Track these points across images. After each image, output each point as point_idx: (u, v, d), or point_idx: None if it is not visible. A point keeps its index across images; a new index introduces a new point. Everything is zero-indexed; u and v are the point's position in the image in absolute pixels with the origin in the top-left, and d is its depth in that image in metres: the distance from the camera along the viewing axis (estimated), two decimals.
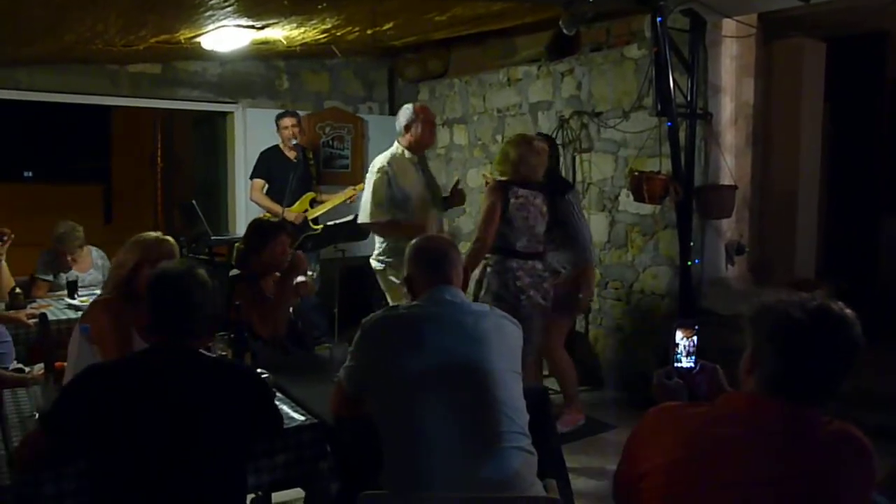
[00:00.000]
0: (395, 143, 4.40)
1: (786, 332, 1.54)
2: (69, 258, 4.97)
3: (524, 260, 4.01)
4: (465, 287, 2.41)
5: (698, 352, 2.05)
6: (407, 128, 4.35)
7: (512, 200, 4.00)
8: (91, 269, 5.04)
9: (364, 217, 4.35)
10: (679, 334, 2.09)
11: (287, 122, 5.92)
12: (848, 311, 1.55)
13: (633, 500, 1.66)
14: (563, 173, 5.72)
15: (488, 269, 4.07)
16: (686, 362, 2.06)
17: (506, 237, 4.00)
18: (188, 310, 2.06)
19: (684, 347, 2.07)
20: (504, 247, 4.01)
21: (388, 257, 4.35)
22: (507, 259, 4.01)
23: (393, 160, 4.34)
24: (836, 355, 1.53)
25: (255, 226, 3.67)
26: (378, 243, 4.46)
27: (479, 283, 4.13)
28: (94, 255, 5.11)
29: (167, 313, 2.05)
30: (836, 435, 1.54)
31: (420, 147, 4.41)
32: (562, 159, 5.75)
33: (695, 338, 2.06)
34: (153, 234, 2.91)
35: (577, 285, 4.51)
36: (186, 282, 2.08)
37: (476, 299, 4.04)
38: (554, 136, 5.74)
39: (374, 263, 4.43)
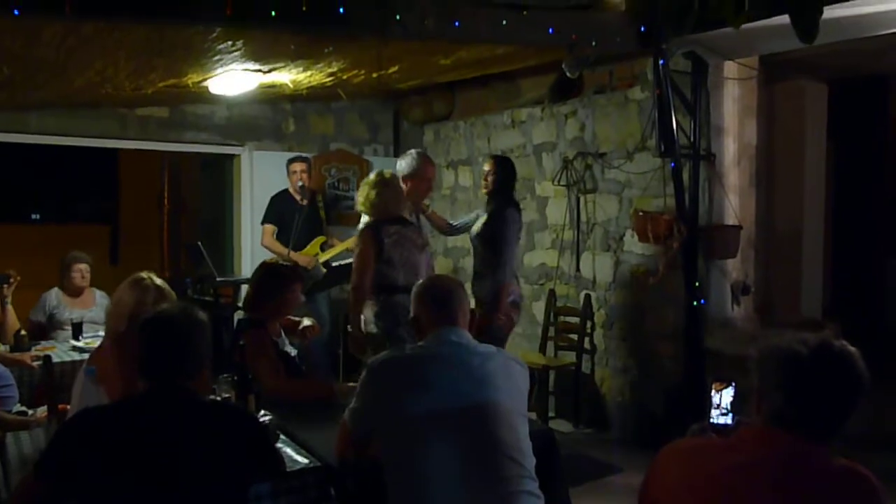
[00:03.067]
0: None
1: (788, 368, 1.57)
2: (76, 279, 4.97)
3: (407, 294, 4.03)
4: (470, 328, 2.41)
5: (735, 407, 2.02)
6: (405, 179, 4.40)
7: (385, 240, 4.08)
8: (94, 307, 5.03)
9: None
10: (714, 390, 2.07)
11: (297, 166, 5.97)
12: (850, 348, 1.57)
13: None
14: (567, 213, 5.76)
15: (376, 310, 4.09)
16: (722, 419, 2.04)
17: (386, 275, 4.08)
18: (182, 348, 2.04)
19: (719, 403, 2.06)
20: (387, 285, 4.09)
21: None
22: (392, 296, 4.08)
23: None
24: (839, 391, 1.55)
25: (270, 271, 3.60)
26: None
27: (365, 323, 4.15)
28: (97, 295, 5.11)
29: (158, 354, 2.04)
30: (842, 471, 1.54)
31: (413, 201, 4.48)
32: (566, 200, 5.79)
33: (731, 392, 2.04)
34: (151, 278, 2.88)
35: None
36: (178, 322, 2.07)
37: (368, 339, 4.08)
38: (558, 177, 5.78)
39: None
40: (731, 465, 1.59)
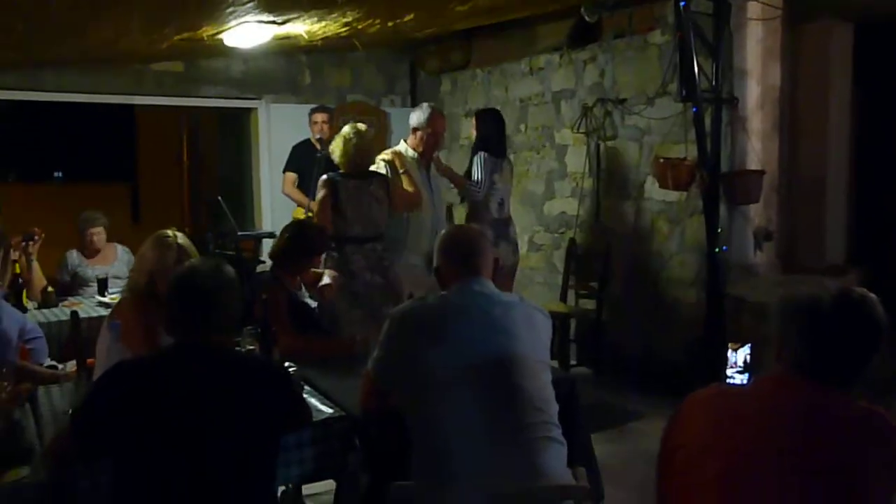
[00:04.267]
0: (402, 141, 4.53)
1: (807, 315, 1.60)
2: (93, 242, 5.03)
3: (359, 245, 4.20)
4: (494, 278, 2.41)
5: (750, 365, 2.06)
6: (415, 130, 4.48)
7: (342, 193, 4.22)
8: (115, 262, 5.08)
9: None
10: (730, 349, 2.10)
11: (318, 117, 5.92)
12: (870, 295, 1.59)
13: (668, 477, 1.73)
14: (587, 161, 5.71)
15: (330, 262, 4.16)
16: (738, 377, 2.08)
17: (339, 226, 4.19)
18: (212, 307, 2.07)
19: (735, 361, 2.09)
20: (339, 235, 4.19)
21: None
22: (343, 246, 4.21)
23: (395, 156, 4.51)
24: (858, 337, 1.58)
25: (300, 231, 3.64)
26: None
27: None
28: (119, 250, 5.16)
29: (192, 310, 2.06)
30: (860, 414, 1.56)
31: (422, 153, 4.48)
32: (586, 147, 5.74)
33: (747, 350, 2.07)
34: (175, 235, 2.91)
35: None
36: (211, 279, 2.09)
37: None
38: (577, 124, 5.72)
39: None
40: (753, 410, 1.62)
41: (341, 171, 4.31)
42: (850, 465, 1.51)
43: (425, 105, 4.73)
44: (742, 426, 1.62)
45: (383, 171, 4.46)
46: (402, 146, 4.62)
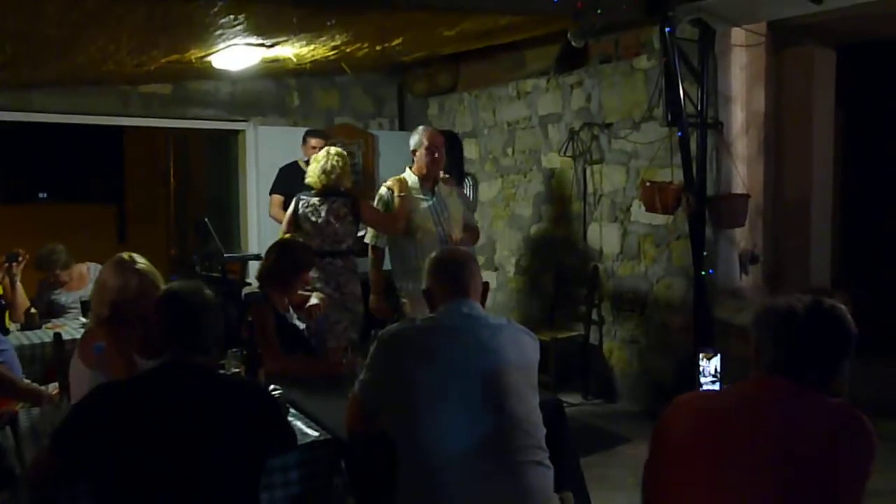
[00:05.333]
0: (406, 168, 4.55)
1: (783, 321, 1.75)
2: (59, 279, 4.92)
3: (318, 259, 4.28)
4: (483, 300, 2.41)
5: (721, 375, 2.14)
6: (413, 153, 4.51)
7: (301, 208, 4.54)
8: (89, 284, 4.97)
9: (367, 238, 4.68)
10: (702, 359, 2.20)
11: (314, 142, 5.90)
12: (840, 305, 1.75)
13: (655, 475, 1.85)
14: (574, 185, 5.74)
15: None
16: (711, 385, 2.15)
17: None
18: (198, 327, 2.07)
19: (708, 371, 2.17)
20: None
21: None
22: None
23: (396, 183, 4.52)
24: (829, 340, 1.72)
25: (287, 248, 3.67)
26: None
27: None
28: (91, 270, 5.02)
29: (177, 330, 2.06)
30: (836, 410, 1.68)
31: (423, 176, 4.48)
32: (572, 171, 5.77)
33: (718, 360, 2.16)
34: (134, 259, 2.84)
35: None
36: (193, 300, 2.10)
37: None
38: (564, 148, 5.75)
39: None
40: (734, 409, 1.76)
41: (312, 189, 4.55)
42: (826, 458, 1.62)
43: (419, 126, 4.76)
44: (725, 424, 1.73)
45: (385, 197, 4.53)
46: (406, 173, 4.61)
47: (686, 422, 1.80)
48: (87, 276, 5.03)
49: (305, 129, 6.21)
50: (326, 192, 4.52)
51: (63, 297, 4.94)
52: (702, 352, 2.00)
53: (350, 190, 4.65)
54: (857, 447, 1.65)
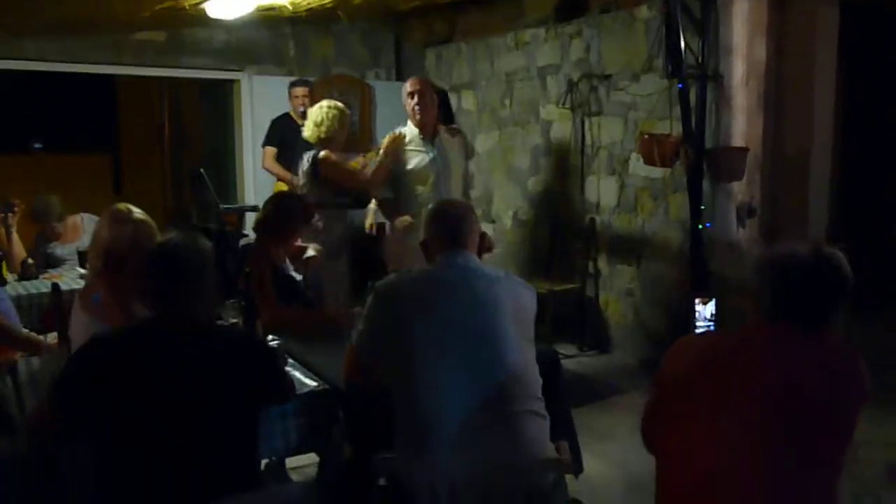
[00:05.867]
0: (408, 121, 4.49)
1: (783, 267, 1.81)
2: (55, 231, 4.94)
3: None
4: (480, 253, 2.42)
5: (717, 319, 2.20)
6: (406, 105, 4.42)
7: (304, 166, 4.57)
8: (84, 235, 4.96)
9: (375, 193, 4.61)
10: (698, 303, 2.26)
11: (299, 91, 5.87)
12: (838, 252, 1.81)
13: (657, 411, 1.92)
14: (571, 137, 5.71)
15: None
16: (704, 328, 2.20)
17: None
18: (191, 280, 2.05)
19: (703, 315, 2.23)
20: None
21: None
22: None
23: (391, 139, 4.44)
24: (828, 285, 1.77)
25: (284, 200, 3.69)
26: None
27: None
28: (86, 220, 5.02)
29: (171, 284, 2.05)
30: (833, 349, 1.77)
31: (419, 125, 4.40)
32: (570, 123, 5.73)
33: (713, 305, 2.22)
34: (130, 210, 2.86)
35: None
36: (189, 252, 2.08)
37: None
38: (563, 100, 5.70)
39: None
40: (736, 348, 1.84)
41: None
42: (823, 396, 1.71)
43: (410, 78, 4.67)
44: (726, 363, 1.80)
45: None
46: (407, 126, 4.49)
47: (687, 360, 1.87)
48: (80, 227, 5.02)
49: None
50: (319, 145, 4.53)
51: (59, 249, 4.94)
52: (698, 296, 2.04)
53: (326, 143, 4.54)
54: (852, 386, 1.74)
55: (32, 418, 2.07)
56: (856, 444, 1.74)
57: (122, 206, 2.86)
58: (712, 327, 1.97)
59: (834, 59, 5.22)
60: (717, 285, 4.67)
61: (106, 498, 1.92)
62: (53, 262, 4.91)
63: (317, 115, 4.51)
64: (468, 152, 4.73)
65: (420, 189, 4.38)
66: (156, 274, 2.07)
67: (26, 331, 3.27)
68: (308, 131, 4.53)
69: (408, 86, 4.45)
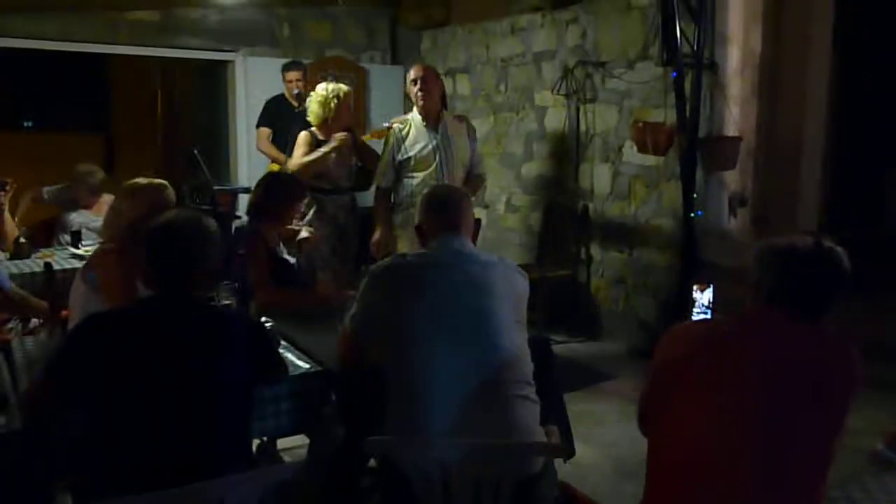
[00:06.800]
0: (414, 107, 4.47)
1: (784, 256, 1.84)
2: (89, 200, 4.96)
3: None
4: (475, 237, 2.43)
5: (714, 306, 2.22)
6: (409, 92, 4.42)
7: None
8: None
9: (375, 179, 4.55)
10: (696, 290, 2.29)
11: (292, 75, 5.84)
12: (838, 247, 1.84)
13: (651, 398, 1.96)
14: (566, 123, 5.71)
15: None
16: (701, 316, 2.23)
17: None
18: (190, 260, 2.04)
19: (701, 302, 2.25)
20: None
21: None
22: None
23: (403, 122, 4.44)
24: (828, 276, 1.81)
25: (277, 181, 3.68)
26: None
27: None
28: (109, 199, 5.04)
29: (169, 263, 2.04)
30: (829, 338, 1.81)
31: (422, 112, 4.38)
32: (565, 110, 5.73)
33: (710, 292, 2.25)
34: (152, 180, 2.89)
35: None
36: (190, 232, 2.07)
37: None
38: (558, 86, 5.70)
39: None
40: (733, 333, 1.88)
41: (316, 130, 4.46)
42: (817, 383, 1.74)
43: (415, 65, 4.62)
44: (722, 348, 1.84)
45: (390, 141, 4.45)
46: (412, 113, 4.48)
47: (683, 345, 1.90)
48: (104, 206, 5.03)
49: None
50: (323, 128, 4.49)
51: (89, 219, 4.93)
52: (696, 283, 2.07)
53: (328, 125, 4.48)
54: (845, 373, 1.77)
55: (27, 396, 2.07)
56: (845, 432, 1.77)
57: (142, 178, 2.90)
58: (709, 314, 2.00)
59: (829, 49, 5.23)
60: (708, 274, 4.69)
61: (99, 475, 1.93)
62: (63, 224, 4.91)
63: (321, 99, 4.43)
64: (472, 135, 4.67)
65: (423, 176, 4.37)
66: (159, 251, 2.05)
67: (23, 293, 3.25)
68: (311, 115, 4.48)
69: (412, 72, 4.43)
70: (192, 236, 2.06)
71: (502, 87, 6.35)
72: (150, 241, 2.07)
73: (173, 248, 2.04)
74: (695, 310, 2.05)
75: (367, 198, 4.83)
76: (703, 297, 2.17)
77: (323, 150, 4.39)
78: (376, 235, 4.45)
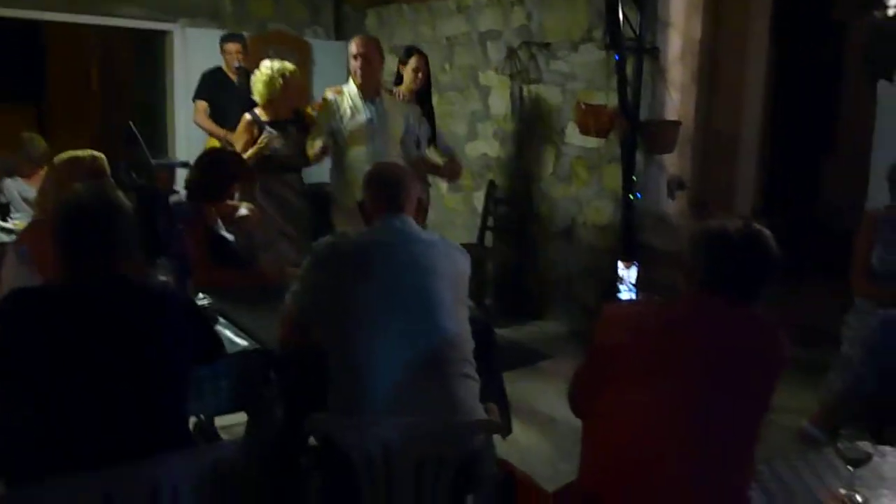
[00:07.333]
0: (350, 78, 4.41)
1: (715, 241, 1.89)
2: (27, 169, 4.81)
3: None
4: (423, 217, 2.43)
5: (638, 284, 2.25)
6: (349, 64, 4.36)
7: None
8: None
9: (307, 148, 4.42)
10: (622, 266, 2.32)
11: (231, 47, 5.70)
12: (766, 230, 1.90)
13: (586, 384, 1.99)
14: (510, 104, 5.74)
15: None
16: (627, 294, 2.26)
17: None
18: (99, 237, 1.98)
19: (626, 279, 2.28)
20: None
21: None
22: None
23: (338, 92, 4.38)
24: (757, 260, 1.87)
25: (215, 158, 3.60)
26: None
27: None
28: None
29: (79, 242, 1.98)
30: (760, 323, 1.87)
31: (360, 85, 4.34)
32: (509, 90, 5.75)
33: (635, 270, 2.27)
34: (87, 151, 2.82)
35: None
36: (95, 208, 2.00)
37: None
38: (502, 66, 5.71)
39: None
40: (668, 318, 1.92)
41: (260, 111, 4.31)
42: (750, 365, 1.81)
43: (355, 37, 4.56)
44: (661, 336, 1.87)
45: (333, 105, 4.37)
46: (348, 84, 4.42)
47: (624, 331, 1.92)
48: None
49: None
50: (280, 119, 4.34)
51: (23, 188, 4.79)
52: (622, 260, 2.10)
53: (271, 105, 4.36)
54: (774, 357, 1.85)
55: None
56: (770, 411, 1.83)
57: (68, 152, 2.84)
58: (634, 292, 2.05)
59: (766, 37, 5.35)
60: (645, 255, 4.78)
61: (30, 457, 1.88)
62: (4, 206, 4.76)
63: (263, 88, 4.28)
64: (417, 119, 4.68)
65: (356, 150, 4.34)
66: (67, 231, 1.99)
67: None
68: (256, 95, 4.34)
69: (352, 45, 4.37)
70: (99, 213, 1.99)
71: (447, 66, 6.33)
72: (59, 221, 2.00)
73: (82, 227, 1.98)
74: (621, 286, 2.10)
75: (321, 174, 4.76)
76: (629, 274, 2.22)
77: (251, 151, 4.23)
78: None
